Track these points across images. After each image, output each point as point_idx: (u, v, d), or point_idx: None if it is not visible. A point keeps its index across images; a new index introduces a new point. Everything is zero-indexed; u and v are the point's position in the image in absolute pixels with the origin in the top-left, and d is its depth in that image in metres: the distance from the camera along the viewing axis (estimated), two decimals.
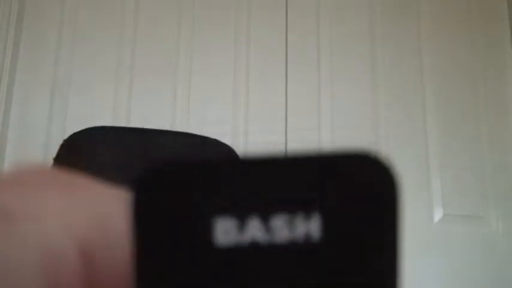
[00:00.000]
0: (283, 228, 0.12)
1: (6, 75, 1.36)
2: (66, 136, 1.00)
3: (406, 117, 1.46)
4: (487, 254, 1.40)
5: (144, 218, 0.11)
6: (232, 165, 0.12)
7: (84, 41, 1.42)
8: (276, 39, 1.47)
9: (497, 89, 1.52)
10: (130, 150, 0.90)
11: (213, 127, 1.33)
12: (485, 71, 1.52)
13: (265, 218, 0.12)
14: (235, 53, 1.45)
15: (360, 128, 1.44)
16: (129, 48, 1.43)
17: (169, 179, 0.12)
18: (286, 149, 1.39)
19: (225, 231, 0.11)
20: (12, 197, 0.12)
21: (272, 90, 1.44)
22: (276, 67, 1.45)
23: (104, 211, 0.13)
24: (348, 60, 1.48)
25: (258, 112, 1.42)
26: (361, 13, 1.51)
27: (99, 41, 1.42)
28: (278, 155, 0.12)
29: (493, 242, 1.41)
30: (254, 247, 0.11)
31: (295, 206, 0.12)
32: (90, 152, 0.94)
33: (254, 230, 0.11)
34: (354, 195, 0.12)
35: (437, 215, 1.41)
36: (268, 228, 0.11)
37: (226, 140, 0.93)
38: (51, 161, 0.96)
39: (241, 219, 0.11)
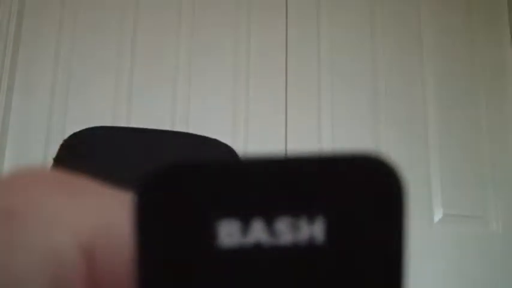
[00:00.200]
0: (287, 231, 0.11)
1: (6, 75, 1.36)
2: (66, 136, 1.00)
3: (406, 117, 1.46)
4: (487, 254, 1.40)
5: (147, 221, 0.11)
6: (236, 167, 0.12)
7: (84, 41, 1.42)
8: (276, 39, 1.47)
9: (497, 89, 1.52)
10: (131, 150, 0.90)
11: (213, 127, 1.33)
12: (485, 70, 1.52)
13: (269, 220, 0.11)
14: (235, 53, 1.45)
15: (360, 127, 1.44)
16: (129, 48, 1.43)
17: (172, 182, 0.11)
18: (286, 149, 1.39)
19: (229, 234, 0.11)
20: (17, 200, 0.12)
21: (272, 90, 1.44)
22: (276, 67, 1.45)
23: (108, 214, 0.13)
24: (348, 60, 1.48)
25: (258, 112, 1.42)
26: (361, 13, 1.51)
27: (99, 41, 1.42)
28: (282, 158, 0.12)
29: (493, 242, 1.41)
30: (258, 250, 0.11)
31: (299, 209, 0.12)
32: (90, 152, 0.94)
33: (258, 233, 0.11)
34: (358, 198, 0.12)
35: (437, 215, 1.41)
36: (272, 231, 0.11)
37: (226, 140, 0.93)
38: (51, 161, 0.96)
39: (245, 222, 0.11)
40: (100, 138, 0.96)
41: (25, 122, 1.37)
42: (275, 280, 0.11)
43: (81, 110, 1.37)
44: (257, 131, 1.40)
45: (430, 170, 1.43)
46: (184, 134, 1.04)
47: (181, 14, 1.46)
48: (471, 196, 1.42)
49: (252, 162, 0.12)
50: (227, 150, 0.88)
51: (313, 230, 0.11)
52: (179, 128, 1.36)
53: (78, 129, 0.99)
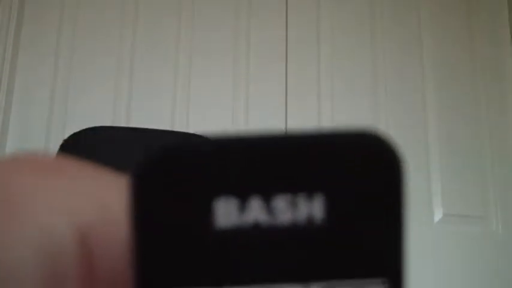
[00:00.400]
0: (286, 209, 0.11)
1: (6, 75, 1.36)
2: (66, 136, 1.00)
3: (406, 117, 1.46)
4: (487, 254, 1.40)
5: (143, 203, 0.11)
6: (232, 145, 0.12)
7: (84, 41, 1.42)
8: (276, 38, 1.47)
9: (497, 89, 1.52)
10: (131, 150, 0.90)
11: (212, 127, 1.33)
12: (485, 71, 1.52)
13: (267, 198, 0.11)
14: (235, 52, 1.45)
15: (360, 127, 1.44)
16: (129, 48, 1.43)
17: (168, 163, 0.11)
18: None
19: (227, 213, 0.11)
20: (10, 186, 0.12)
21: (272, 90, 1.44)
22: (276, 67, 1.45)
23: (103, 198, 0.12)
24: (348, 60, 1.48)
25: (258, 112, 1.42)
26: (361, 12, 1.51)
27: (99, 41, 1.42)
28: (280, 135, 0.12)
29: (493, 242, 1.41)
30: (256, 229, 0.11)
31: (297, 186, 0.11)
32: (90, 152, 0.94)
33: (256, 212, 0.11)
34: (357, 174, 0.11)
35: (437, 215, 1.41)
36: (270, 210, 0.11)
37: None
38: None
39: (243, 200, 0.11)
40: (100, 138, 0.97)
41: (25, 122, 1.37)
42: (274, 261, 0.11)
43: (81, 110, 1.37)
44: (257, 131, 1.40)
45: (430, 170, 1.43)
46: (184, 134, 1.04)
47: (181, 13, 1.46)
48: (471, 196, 1.42)
49: (249, 139, 0.12)
50: None
51: (312, 208, 0.11)
52: (179, 128, 1.36)
53: (78, 129, 0.99)
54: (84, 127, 1.00)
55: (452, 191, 1.42)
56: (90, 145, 0.95)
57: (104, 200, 0.12)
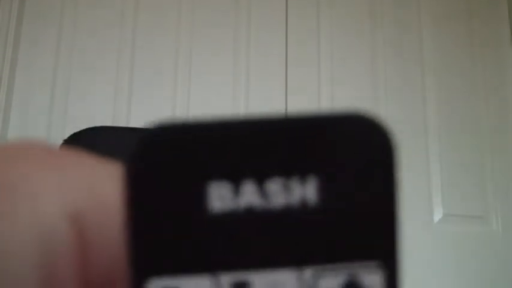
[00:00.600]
0: (279, 192, 0.11)
1: (6, 75, 1.36)
2: (66, 136, 1.00)
3: (406, 116, 1.46)
4: (487, 254, 1.40)
5: (136, 185, 0.11)
6: (225, 128, 0.11)
7: (84, 41, 1.42)
8: (276, 39, 1.47)
9: (497, 89, 1.52)
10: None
11: None
12: (485, 71, 1.52)
13: (260, 181, 0.11)
14: (235, 53, 1.45)
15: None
16: (129, 48, 1.43)
17: (161, 147, 0.11)
18: None
19: (220, 197, 0.11)
20: (5, 172, 0.12)
21: (272, 90, 1.44)
22: (276, 67, 1.45)
23: (97, 185, 0.12)
24: (348, 60, 1.48)
25: (258, 112, 1.42)
26: (361, 12, 1.51)
27: (99, 40, 1.42)
28: (272, 118, 0.12)
29: (493, 242, 1.41)
30: (249, 213, 0.11)
31: (290, 168, 0.11)
32: (90, 152, 0.94)
33: (249, 195, 0.11)
34: (349, 156, 0.11)
35: (437, 215, 1.41)
36: (263, 193, 0.11)
37: None
38: None
39: (236, 184, 0.11)
40: (100, 138, 0.97)
41: (25, 122, 1.37)
42: (267, 245, 0.11)
43: (81, 110, 1.37)
44: None
45: (430, 170, 1.43)
46: None
47: (181, 13, 1.46)
48: (471, 196, 1.42)
49: (242, 122, 0.12)
50: None
51: (306, 191, 0.11)
52: None
53: (78, 129, 0.99)
54: (84, 127, 1.00)
55: (452, 191, 1.42)
56: (90, 145, 0.95)
57: (97, 185, 0.12)
